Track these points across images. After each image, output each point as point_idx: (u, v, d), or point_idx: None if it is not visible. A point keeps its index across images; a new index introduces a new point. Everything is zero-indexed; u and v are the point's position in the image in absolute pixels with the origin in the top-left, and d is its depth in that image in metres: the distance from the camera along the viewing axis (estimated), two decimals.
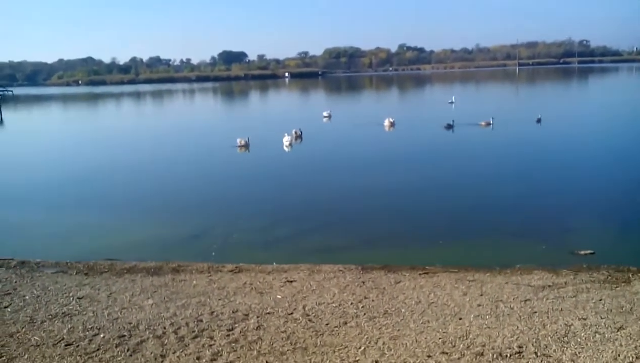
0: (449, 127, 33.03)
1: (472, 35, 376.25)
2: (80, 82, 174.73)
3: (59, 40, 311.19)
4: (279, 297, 8.98)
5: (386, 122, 35.90)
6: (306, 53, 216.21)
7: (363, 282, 9.67)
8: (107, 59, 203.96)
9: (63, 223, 15.72)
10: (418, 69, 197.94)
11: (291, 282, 9.77)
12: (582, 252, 11.24)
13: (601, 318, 7.72)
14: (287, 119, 40.71)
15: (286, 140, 28.50)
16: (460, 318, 7.92)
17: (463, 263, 10.67)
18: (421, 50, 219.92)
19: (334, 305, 8.59)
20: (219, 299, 8.93)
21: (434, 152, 26.16)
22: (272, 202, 17.15)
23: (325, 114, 44.11)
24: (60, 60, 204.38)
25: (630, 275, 9.61)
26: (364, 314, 8.16)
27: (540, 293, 8.86)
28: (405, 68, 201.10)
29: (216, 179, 21.65)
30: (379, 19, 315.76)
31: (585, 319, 7.69)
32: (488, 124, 33.28)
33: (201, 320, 8.00)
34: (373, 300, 8.76)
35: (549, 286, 9.19)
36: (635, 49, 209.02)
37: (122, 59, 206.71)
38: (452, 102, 50.05)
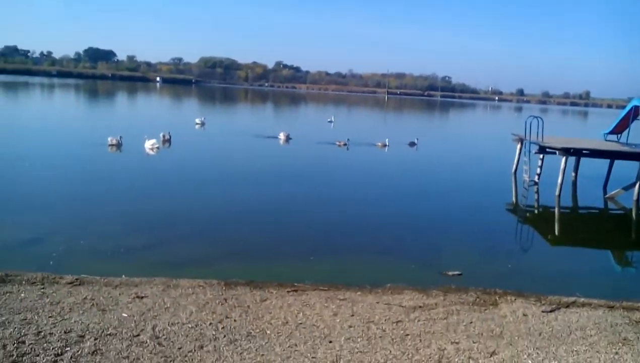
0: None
1: (346, 60, 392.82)
2: None
3: None
4: (125, 315, 7.65)
5: (281, 135, 35.24)
6: (180, 59, 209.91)
7: (225, 300, 8.63)
8: None
9: None
10: (294, 87, 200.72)
11: (141, 297, 8.45)
12: (450, 273, 11.17)
13: (473, 342, 7.42)
14: (157, 122, 38.27)
15: (150, 143, 26.52)
16: (330, 342, 7.21)
17: (334, 281, 10.04)
18: (297, 69, 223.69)
19: (189, 325, 7.47)
20: (50, 317, 7.39)
21: (316, 167, 25.82)
22: (130, 207, 15.44)
23: (197, 120, 42.35)
24: None
25: (497, 298, 9.58)
26: (224, 336, 7.15)
27: (411, 314, 8.45)
28: (281, 85, 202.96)
29: (71, 179, 19.23)
30: (258, 34, 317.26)
31: (457, 343, 7.35)
32: (384, 146, 34.21)
33: (23, 342, 6.48)
34: (235, 320, 7.77)
35: (420, 307, 8.83)
36: (490, 89, 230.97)
37: None
38: (331, 121, 51.74)
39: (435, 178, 25.25)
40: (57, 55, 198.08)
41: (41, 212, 14.42)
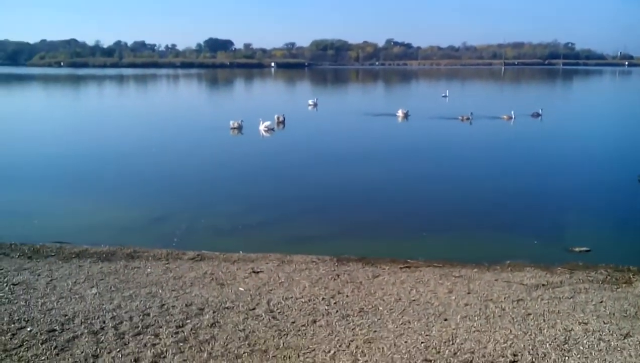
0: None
1: (459, 33, 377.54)
2: (62, 63, 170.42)
3: (42, 21, 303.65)
4: (242, 289, 7.94)
5: (399, 113, 34.83)
6: (293, 44, 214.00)
7: (338, 275, 8.66)
8: (91, 42, 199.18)
9: (13, 202, 14.44)
10: (405, 64, 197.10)
11: (257, 272, 8.72)
12: (578, 249, 10.36)
13: (604, 323, 6.81)
14: (273, 105, 39.39)
15: (264, 126, 27.35)
16: (445, 319, 6.96)
17: (448, 258, 9.71)
18: (408, 45, 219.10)
19: (302, 300, 7.58)
20: (173, 290, 7.86)
21: (436, 144, 25.25)
22: (246, 188, 16.08)
23: (310, 102, 43.01)
24: (43, 41, 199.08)
25: (632, 276, 8.73)
26: (336, 312, 7.16)
27: (534, 292, 7.93)
28: (392, 63, 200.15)
29: (194, 162, 20.39)
30: (367, 13, 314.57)
31: (586, 324, 6.78)
32: (510, 118, 32.80)
33: (148, 314, 6.94)
34: (347, 296, 7.76)
35: (543, 285, 8.27)
36: (619, 53, 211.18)
37: (106, 42, 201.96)
38: (445, 96, 50.71)
39: (560, 150, 23.46)
40: (180, 47, 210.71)
41: (166, 193, 15.44)
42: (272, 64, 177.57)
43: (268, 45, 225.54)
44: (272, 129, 27.60)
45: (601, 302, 7.57)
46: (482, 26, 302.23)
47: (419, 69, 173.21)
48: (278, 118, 30.96)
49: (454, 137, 27.54)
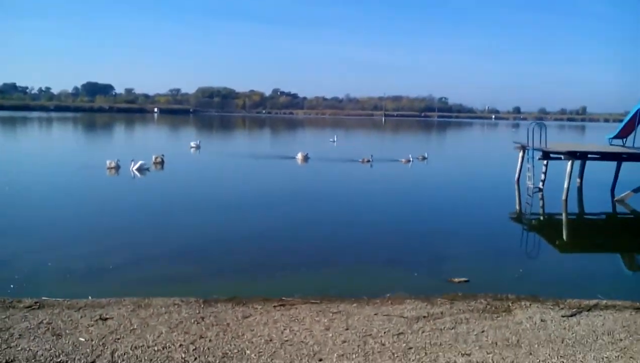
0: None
1: (342, 85, 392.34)
2: None
3: None
4: (82, 339, 6.62)
5: (299, 156, 34.50)
6: (178, 90, 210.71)
7: (202, 318, 7.59)
8: None
9: None
10: (291, 113, 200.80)
11: (105, 319, 7.41)
12: (457, 280, 10.11)
13: (487, 353, 6.37)
14: (152, 147, 37.14)
15: (136, 166, 25.79)
16: (320, 360, 6.17)
17: (327, 293, 8.99)
18: (294, 95, 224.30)
19: (156, 348, 6.44)
20: None
21: (332, 185, 24.82)
22: (105, 228, 14.40)
23: (193, 144, 41.64)
24: None
25: (510, 304, 8.51)
26: (195, 359, 6.11)
27: (414, 325, 7.39)
28: (279, 112, 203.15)
29: (59, 203, 18.17)
30: (254, 62, 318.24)
31: (469, 355, 6.30)
32: (408, 161, 33.93)
33: None
34: (210, 340, 6.73)
35: (424, 317, 7.78)
36: (487, 108, 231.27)
37: None
38: (334, 141, 51.94)
39: (438, 190, 24.20)
40: (55, 90, 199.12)
41: (10, 233, 13.41)
42: (155, 109, 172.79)
43: (151, 90, 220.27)
44: (147, 169, 25.95)
45: (483, 331, 7.18)
46: (363, 80, 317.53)
47: (304, 118, 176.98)
48: (156, 158, 29.34)
49: (355, 178, 27.65)
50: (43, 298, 8.39)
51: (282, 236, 14.10)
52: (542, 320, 7.68)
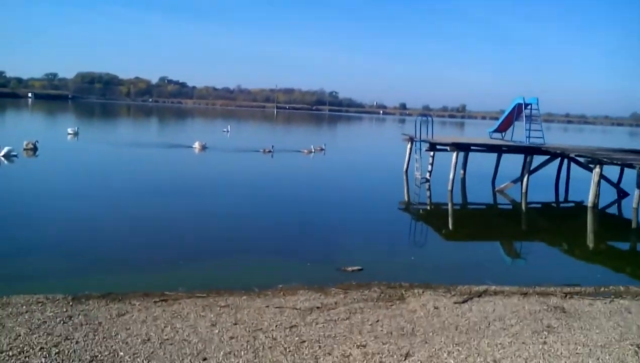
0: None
1: (234, 76, 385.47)
2: None
3: None
4: None
5: (197, 145, 33.09)
6: (55, 75, 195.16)
7: (70, 317, 6.65)
8: None
9: None
10: (180, 102, 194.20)
11: None
12: (350, 269, 9.85)
13: (383, 343, 6.09)
14: (25, 133, 33.69)
15: (3, 151, 23.29)
16: (204, 359, 5.55)
17: (215, 286, 8.32)
18: (183, 84, 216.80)
19: (11, 353, 5.48)
20: None
21: (239, 175, 23.84)
22: None
23: (70, 130, 38.47)
24: None
25: (403, 292, 8.38)
26: None
27: (308, 317, 6.98)
28: (167, 101, 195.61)
29: None
30: (140, 48, 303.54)
31: (364, 346, 5.98)
32: (310, 152, 33.78)
33: None
34: (78, 342, 5.86)
35: (318, 308, 7.39)
36: (375, 103, 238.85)
37: None
38: (227, 131, 51.14)
39: (333, 181, 24.16)
40: None
41: None
42: (30, 94, 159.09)
43: (25, 74, 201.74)
44: (15, 156, 23.49)
45: (377, 321, 6.93)
46: (255, 71, 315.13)
47: (194, 107, 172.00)
48: (27, 144, 26.78)
49: (255, 168, 26.82)
50: None
51: (169, 227, 13.13)
52: (435, 308, 7.59)
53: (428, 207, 19.19)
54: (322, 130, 78.89)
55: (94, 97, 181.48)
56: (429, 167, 23.13)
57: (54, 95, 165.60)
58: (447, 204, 19.51)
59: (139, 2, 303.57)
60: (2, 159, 22.79)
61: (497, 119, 29.94)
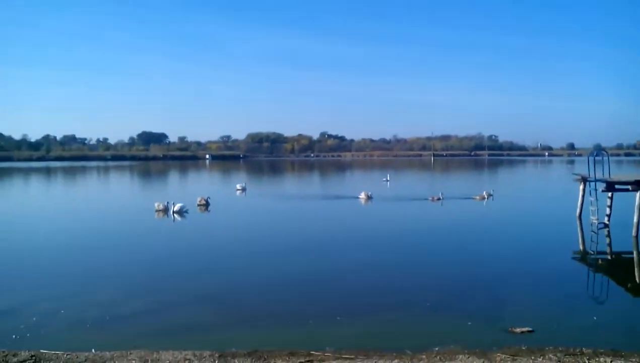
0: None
1: (390, 126, 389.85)
2: None
3: None
4: None
5: (362, 195, 33.62)
6: (229, 137, 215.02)
7: None
8: (17, 136, 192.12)
9: None
10: (339, 156, 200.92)
11: None
12: (519, 330, 8.58)
13: None
14: (201, 191, 36.70)
15: (176, 207, 25.86)
16: None
17: (363, 346, 7.67)
18: (342, 138, 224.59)
19: None
20: None
21: (403, 225, 23.56)
22: (128, 272, 13.59)
23: (238, 186, 41.43)
24: None
25: (586, 360, 6.97)
26: None
27: None
28: (327, 155, 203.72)
29: (92, 248, 17.58)
30: (302, 106, 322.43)
31: None
32: (483, 198, 32.60)
33: None
34: None
35: None
36: (539, 145, 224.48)
37: (34, 136, 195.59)
38: (387, 180, 51.66)
39: (501, 228, 22.41)
40: (112, 140, 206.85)
41: (24, 279, 12.73)
42: (207, 156, 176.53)
43: (203, 138, 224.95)
44: (186, 211, 25.55)
45: None
46: (411, 120, 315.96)
47: (352, 159, 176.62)
48: (200, 200, 29.34)
49: (426, 217, 26.27)
50: (41, 351, 7.46)
51: (331, 279, 12.94)
52: None
53: (608, 257, 16.73)
54: (483, 176, 75.51)
55: (262, 155, 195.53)
56: (607, 210, 20.44)
57: (228, 155, 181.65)
58: (631, 252, 16.84)
59: (290, 59, 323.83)
60: (176, 215, 24.81)
61: None
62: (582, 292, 12.28)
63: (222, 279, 13.06)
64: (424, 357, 7.25)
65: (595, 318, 9.63)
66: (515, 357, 7.17)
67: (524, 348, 7.63)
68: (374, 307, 10.47)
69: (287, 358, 7.17)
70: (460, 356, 7.22)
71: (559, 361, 7.00)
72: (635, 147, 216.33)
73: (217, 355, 7.31)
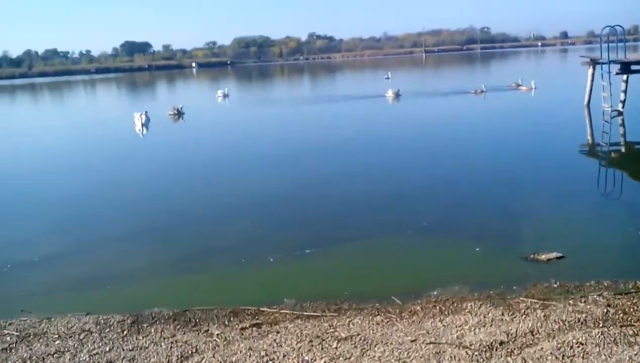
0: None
1: (379, 24, 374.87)
2: None
3: None
4: None
5: (390, 93, 30.89)
6: (214, 43, 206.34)
7: None
8: None
9: None
10: (329, 57, 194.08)
11: None
12: (544, 257, 6.46)
13: None
14: (177, 100, 33.67)
15: (136, 116, 23.90)
16: None
17: (333, 296, 5.59)
18: (331, 38, 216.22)
19: None
20: None
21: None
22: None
23: (219, 93, 38.45)
24: None
25: None
26: None
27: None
28: (316, 57, 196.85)
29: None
30: (288, 7, 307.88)
31: None
32: (530, 89, 30.09)
33: None
34: None
35: (501, 344, 4.30)
36: (532, 35, 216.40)
37: (15, 52, 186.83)
38: (388, 78, 49.77)
39: (487, 126, 19.95)
40: (95, 53, 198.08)
41: None
42: (194, 64, 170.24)
43: (188, 45, 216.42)
44: (149, 121, 23.85)
45: None
46: (401, 16, 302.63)
47: (342, 60, 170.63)
48: (173, 109, 27.37)
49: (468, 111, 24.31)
50: None
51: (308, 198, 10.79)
52: None
53: (622, 149, 14.56)
54: (475, 71, 72.05)
55: (250, 60, 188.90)
56: (622, 96, 18.06)
57: (215, 63, 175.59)
58: None
59: None
60: (144, 127, 22.77)
61: None
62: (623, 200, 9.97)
63: (157, 208, 10.48)
64: (418, 308, 5.17)
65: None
66: (547, 302, 5.09)
67: (555, 285, 5.56)
68: (348, 231, 8.22)
69: (227, 321, 5.10)
70: (469, 304, 5.15)
71: (609, 305, 4.93)
72: (629, 32, 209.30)
73: (129, 320, 5.23)
